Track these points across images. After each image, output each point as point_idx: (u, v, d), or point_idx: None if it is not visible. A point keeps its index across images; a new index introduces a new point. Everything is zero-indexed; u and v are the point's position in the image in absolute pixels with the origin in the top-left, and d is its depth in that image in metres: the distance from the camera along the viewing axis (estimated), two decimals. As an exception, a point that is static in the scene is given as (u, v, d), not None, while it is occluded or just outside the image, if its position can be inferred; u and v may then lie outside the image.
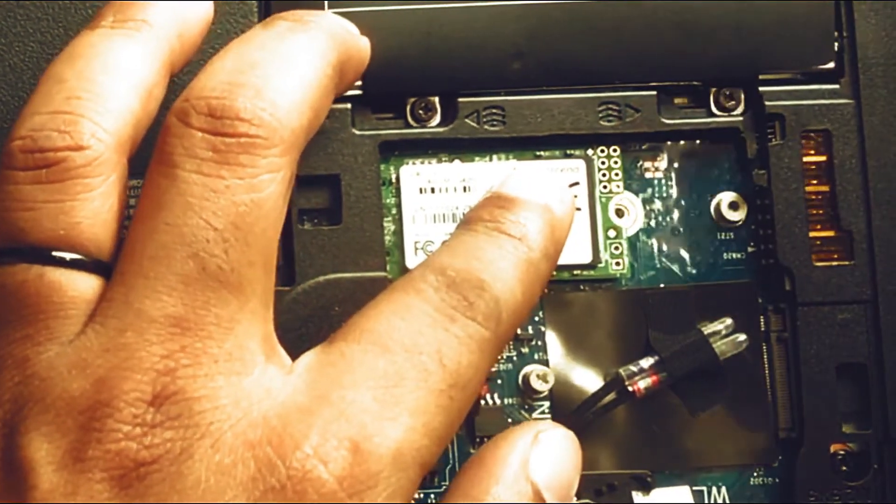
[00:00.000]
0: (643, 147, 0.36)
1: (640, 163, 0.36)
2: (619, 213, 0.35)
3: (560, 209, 0.31)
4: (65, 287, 0.27)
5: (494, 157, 0.35)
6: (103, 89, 0.29)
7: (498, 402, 0.34)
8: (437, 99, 0.35)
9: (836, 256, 0.35)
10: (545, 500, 0.29)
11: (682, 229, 0.36)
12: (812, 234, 0.35)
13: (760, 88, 0.35)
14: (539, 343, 0.35)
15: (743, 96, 0.35)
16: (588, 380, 0.35)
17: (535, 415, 0.35)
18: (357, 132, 0.34)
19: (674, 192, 0.36)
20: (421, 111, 0.35)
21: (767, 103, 0.35)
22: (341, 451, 0.26)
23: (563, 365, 0.35)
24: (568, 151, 0.35)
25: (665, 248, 0.35)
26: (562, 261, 0.33)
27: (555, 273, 0.33)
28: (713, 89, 0.35)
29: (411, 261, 0.34)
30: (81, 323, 0.27)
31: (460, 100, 0.35)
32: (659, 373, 0.34)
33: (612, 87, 0.35)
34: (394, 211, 0.35)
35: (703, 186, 0.36)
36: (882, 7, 0.35)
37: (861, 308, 0.34)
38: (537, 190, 0.31)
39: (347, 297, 0.33)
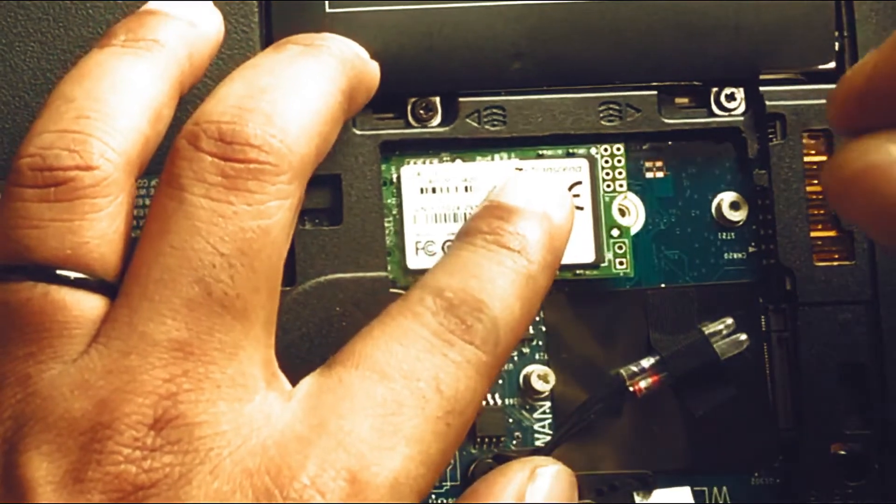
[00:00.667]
0: (644, 147, 0.36)
1: (641, 163, 0.36)
2: (621, 212, 0.35)
3: (559, 216, 0.31)
4: (69, 306, 0.27)
5: (496, 156, 0.35)
6: (113, 109, 0.29)
7: (499, 402, 0.34)
8: (437, 99, 0.35)
9: (836, 256, 0.35)
10: None
11: (682, 229, 0.36)
12: (813, 234, 0.35)
13: (761, 88, 0.35)
14: (540, 343, 0.35)
15: (743, 96, 0.35)
16: (589, 380, 0.35)
17: (535, 415, 0.35)
18: (358, 132, 0.34)
19: (674, 192, 0.36)
20: (422, 111, 0.35)
21: (768, 103, 0.35)
22: (339, 482, 0.26)
23: (563, 365, 0.35)
24: (571, 150, 0.35)
25: (666, 248, 0.35)
26: (565, 260, 0.33)
27: (557, 273, 0.33)
28: (714, 89, 0.35)
29: (412, 261, 0.34)
30: (85, 343, 0.27)
31: (461, 100, 0.35)
32: (660, 373, 0.34)
33: (612, 87, 0.35)
34: (395, 211, 0.35)
35: (703, 186, 0.36)
36: (882, 7, 0.35)
37: (862, 308, 0.34)
38: (536, 197, 0.31)
39: (348, 297, 0.33)
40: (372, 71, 0.32)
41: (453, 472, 0.34)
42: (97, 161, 0.28)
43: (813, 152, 0.35)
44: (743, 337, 0.34)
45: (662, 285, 0.35)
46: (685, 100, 0.36)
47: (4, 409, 0.27)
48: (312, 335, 0.33)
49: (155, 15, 0.31)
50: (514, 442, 0.34)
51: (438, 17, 0.34)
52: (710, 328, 0.34)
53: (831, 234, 0.35)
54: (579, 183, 0.35)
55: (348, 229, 0.34)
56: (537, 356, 0.35)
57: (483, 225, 0.30)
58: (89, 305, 0.28)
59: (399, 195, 0.35)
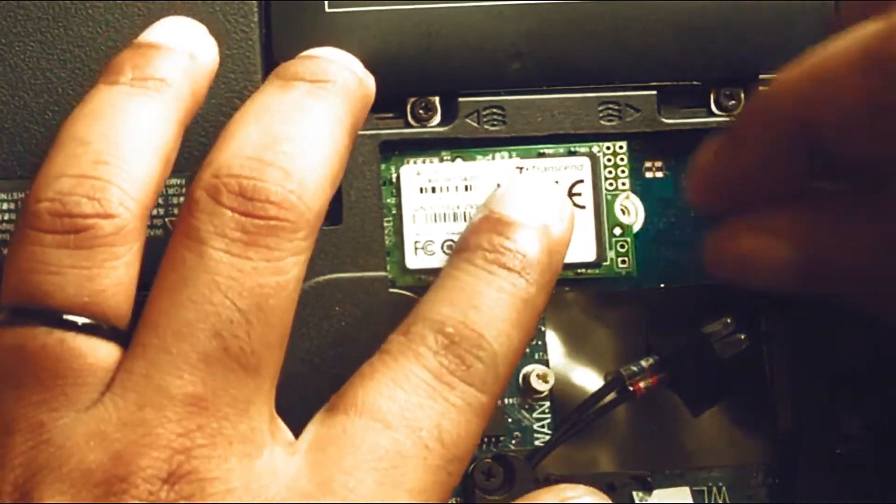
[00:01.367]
0: (643, 147, 0.36)
1: (641, 163, 0.36)
2: (623, 211, 0.35)
3: (559, 230, 0.31)
4: (85, 354, 0.27)
5: (497, 154, 0.35)
6: (129, 155, 0.29)
7: (498, 401, 0.34)
8: (437, 99, 0.35)
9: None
10: None
11: (682, 229, 0.35)
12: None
13: (760, 88, 0.35)
14: (539, 343, 0.35)
15: (743, 96, 0.35)
16: (588, 380, 0.35)
17: (535, 414, 0.35)
18: (357, 132, 0.34)
19: (674, 192, 0.36)
20: (421, 111, 0.35)
21: None
22: None
23: (563, 365, 0.35)
24: (572, 149, 0.35)
25: (665, 248, 0.35)
26: (566, 259, 0.33)
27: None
28: (713, 89, 0.35)
29: (411, 260, 0.34)
30: (98, 391, 0.28)
31: (460, 99, 0.35)
32: (659, 373, 0.34)
33: (612, 87, 0.35)
34: (394, 211, 0.35)
35: (703, 186, 0.36)
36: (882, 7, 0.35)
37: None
38: (536, 209, 0.31)
39: (347, 296, 0.33)
40: (370, 93, 0.32)
41: (453, 472, 0.34)
42: (116, 209, 0.28)
43: (813, 152, 0.35)
44: (742, 337, 0.34)
45: (662, 285, 0.35)
46: (685, 100, 0.36)
47: (16, 455, 0.27)
48: (312, 335, 0.33)
49: (158, 50, 0.31)
50: (514, 441, 0.34)
51: (438, 16, 0.34)
52: (709, 328, 0.34)
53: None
54: (581, 181, 0.35)
55: (348, 229, 0.34)
56: (537, 356, 0.35)
57: (483, 241, 0.31)
58: (103, 353, 0.28)
59: (398, 195, 0.35)
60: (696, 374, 0.34)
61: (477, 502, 0.33)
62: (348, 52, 0.33)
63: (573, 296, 0.35)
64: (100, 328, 0.28)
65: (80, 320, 0.27)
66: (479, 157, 0.35)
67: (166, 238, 0.32)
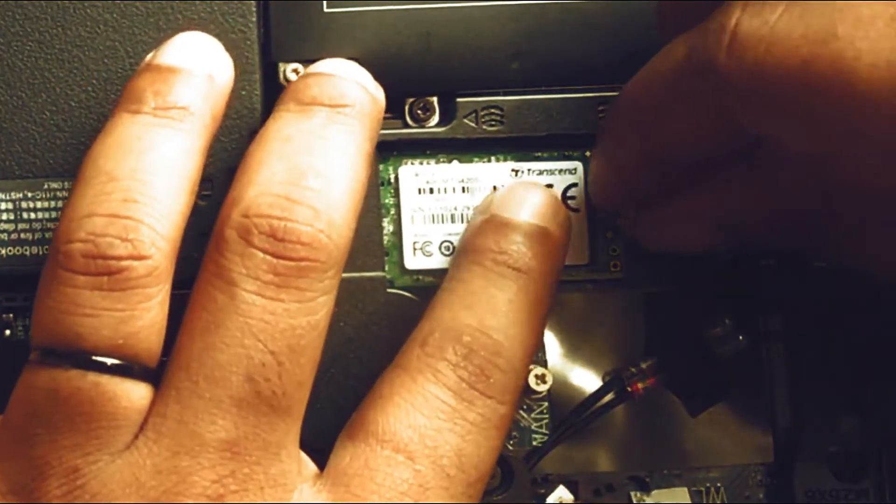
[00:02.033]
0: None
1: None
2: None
3: (559, 231, 0.32)
4: (119, 397, 0.28)
5: (493, 157, 0.35)
6: (158, 192, 0.28)
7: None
8: (435, 99, 0.35)
9: (834, 257, 0.35)
10: None
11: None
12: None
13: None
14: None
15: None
16: (587, 380, 0.35)
17: (533, 415, 0.35)
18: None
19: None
20: (419, 111, 0.35)
21: None
22: None
23: (561, 365, 0.35)
24: (566, 153, 0.35)
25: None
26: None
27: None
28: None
29: (410, 261, 0.34)
30: (131, 433, 0.28)
31: (459, 100, 0.35)
32: (657, 373, 0.34)
33: (610, 88, 0.35)
34: (392, 211, 0.35)
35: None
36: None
37: (860, 308, 0.34)
38: (535, 211, 0.32)
39: (346, 297, 0.33)
40: (382, 108, 0.32)
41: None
42: (149, 250, 0.28)
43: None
44: (740, 337, 0.34)
45: (661, 286, 0.35)
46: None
47: (50, 499, 0.27)
48: (310, 335, 0.33)
49: (178, 74, 0.30)
50: (512, 442, 0.34)
51: (436, 16, 0.34)
52: (707, 329, 0.34)
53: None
54: (575, 185, 0.35)
55: (346, 229, 0.34)
56: (535, 356, 0.35)
57: (490, 243, 0.31)
58: (136, 395, 0.28)
59: (397, 195, 0.35)
60: (695, 374, 0.34)
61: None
62: (347, 52, 0.33)
63: (571, 296, 0.35)
64: (132, 370, 0.28)
65: (114, 363, 0.27)
66: (475, 159, 0.35)
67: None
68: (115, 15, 0.34)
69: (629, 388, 0.34)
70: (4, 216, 0.33)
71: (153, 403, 0.28)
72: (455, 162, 0.35)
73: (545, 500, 0.34)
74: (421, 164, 0.35)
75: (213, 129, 0.31)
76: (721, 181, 0.31)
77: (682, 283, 0.35)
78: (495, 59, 0.34)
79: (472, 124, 0.35)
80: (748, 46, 0.26)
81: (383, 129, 0.34)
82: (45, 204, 0.33)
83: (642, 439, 0.35)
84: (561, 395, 0.35)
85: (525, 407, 0.35)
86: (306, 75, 0.32)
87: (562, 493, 0.34)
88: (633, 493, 0.34)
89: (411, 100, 0.35)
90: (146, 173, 0.29)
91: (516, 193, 0.32)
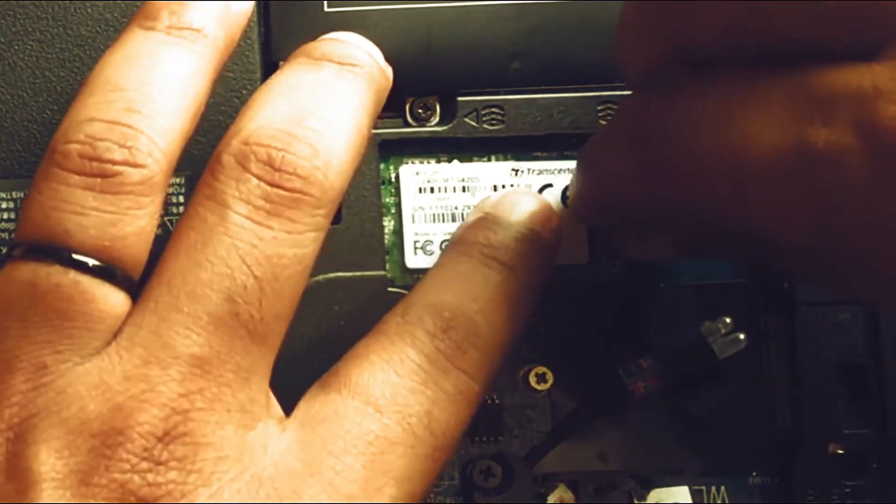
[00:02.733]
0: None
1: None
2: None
3: (549, 234, 0.32)
4: (97, 299, 0.27)
5: (493, 157, 0.35)
6: (162, 107, 0.29)
7: (497, 401, 0.34)
8: (436, 98, 0.35)
9: (834, 256, 0.35)
10: None
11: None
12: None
13: None
14: (538, 343, 0.35)
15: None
16: (587, 380, 0.35)
17: (533, 414, 0.35)
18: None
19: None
20: (420, 110, 0.35)
21: None
22: None
23: (562, 364, 0.35)
24: (566, 153, 0.35)
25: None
26: (559, 261, 0.33)
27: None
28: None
29: (411, 260, 0.34)
30: (104, 339, 0.27)
31: (459, 99, 0.35)
32: (658, 372, 0.34)
33: (611, 87, 0.35)
34: (393, 210, 0.35)
35: (701, 186, 0.36)
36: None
37: (859, 308, 0.34)
38: (529, 213, 0.32)
39: (347, 296, 0.33)
40: (390, 82, 0.33)
41: (451, 472, 0.34)
42: (145, 160, 0.28)
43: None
44: (741, 336, 0.34)
45: (660, 285, 0.35)
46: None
47: (13, 393, 0.27)
48: (311, 334, 0.33)
49: None
50: (512, 441, 0.34)
51: (437, 16, 0.34)
52: (708, 328, 0.34)
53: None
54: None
55: (347, 228, 0.34)
56: (536, 356, 0.35)
57: (479, 236, 0.31)
58: (114, 301, 0.28)
59: (398, 194, 0.35)
60: (694, 373, 0.34)
61: (476, 502, 0.33)
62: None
63: (572, 295, 0.35)
64: (115, 275, 0.28)
65: (97, 264, 0.27)
66: (475, 158, 0.35)
67: (165, 237, 0.32)
68: (115, 14, 0.34)
69: (629, 388, 0.34)
70: (5, 216, 0.33)
71: (130, 313, 0.28)
72: (455, 161, 0.35)
73: (545, 500, 0.34)
74: (422, 163, 0.35)
75: (225, 55, 0.31)
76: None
77: (682, 282, 0.35)
78: (495, 58, 0.35)
79: (473, 123, 0.35)
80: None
81: (384, 128, 0.34)
82: (46, 203, 0.33)
83: (643, 438, 0.35)
84: (561, 394, 0.35)
85: (526, 406, 0.35)
86: (319, 38, 0.32)
87: (562, 492, 0.34)
88: (633, 492, 0.34)
89: (412, 99, 0.35)
90: (153, 87, 0.29)
91: (511, 197, 0.33)
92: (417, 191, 0.35)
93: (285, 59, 0.33)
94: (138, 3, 0.33)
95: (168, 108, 0.29)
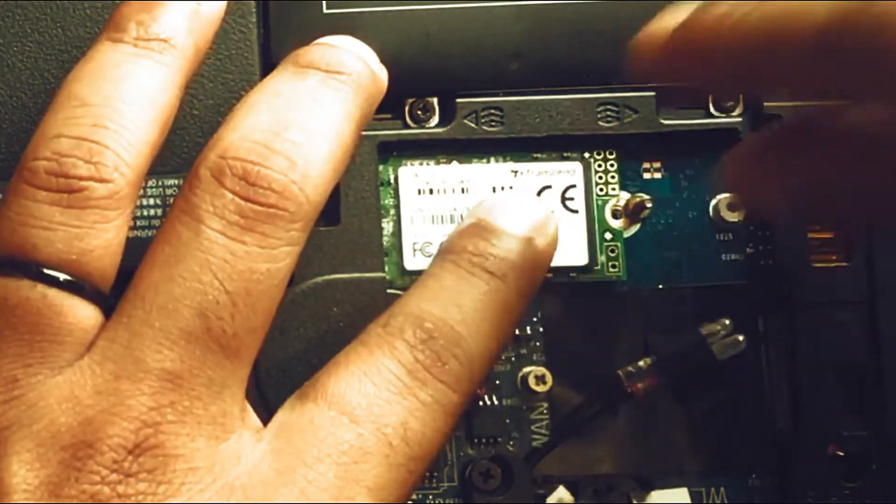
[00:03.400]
0: (641, 148, 0.36)
1: (639, 164, 0.36)
2: (617, 214, 0.35)
3: (542, 241, 0.32)
4: (66, 312, 0.28)
5: (492, 159, 0.35)
6: (128, 121, 0.29)
7: (496, 402, 0.34)
8: (435, 99, 0.35)
9: (833, 258, 0.35)
10: None
11: (680, 230, 0.35)
12: (810, 235, 0.35)
13: None
14: (537, 344, 0.35)
15: (742, 97, 0.35)
16: (586, 381, 0.35)
17: (533, 416, 0.35)
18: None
19: (672, 192, 0.36)
20: (419, 112, 0.35)
21: (766, 104, 0.35)
22: None
23: (561, 366, 0.35)
24: (565, 154, 0.35)
25: (663, 249, 0.35)
26: (558, 263, 0.33)
27: (551, 275, 0.33)
28: (712, 90, 0.35)
29: (409, 262, 0.34)
30: (74, 352, 0.28)
31: (459, 100, 0.35)
32: (657, 374, 0.34)
33: (610, 88, 0.35)
34: (392, 212, 0.35)
35: (701, 187, 0.36)
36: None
37: (859, 309, 0.34)
38: (523, 221, 0.31)
39: (345, 297, 0.33)
40: (382, 87, 0.32)
41: (451, 473, 0.34)
42: (111, 175, 0.28)
43: (811, 153, 0.35)
44: (740, 338, 0.34)
45: (660, 286, 0.35)
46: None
47: None
48: (309, 336, 0.33)
49: (163, 4, 0.30)
50: (512, 442, 0.34)
51: (436, 17, 0.34)
52: (707, 329, 0.34)
53: (828, 235, 0.35)
54: (574, 186, 0.35)
55: (346, 230, 0.34)
56: (535, 357, 0.35)
57: (468, 244, 0.31)
58: (83, 314, 0.28)
59: (397, 196, 0.35)
60: (695, 374, 0.34)
61: (475, 503, 0.33)
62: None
63: (571, 297, 0.35)
64: (83, 288, 0.28)
65: (65, 277, 0.28)
66: (475, 160, 0.35)
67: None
68: (114, 15, 0.34)
69: (629, 389, 0.34)
70: (4, 217, 0.33)
71: (104, 328, 0.28)
72: (455, 163, 0.35)
73: (545, 501, 0.34)
74: (421, 164, 0.35)
75: (195, 63, 0.31)
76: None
77: (682, 283, 0.35)
78: (495, 59, 0.34)
79: (472, 125, 0.35)
80: None
81: (383, 129, 0.34)
82: (45, 204, 0.33)
83: (642, 439, 0.35)
84: (561, 395, 0.35)
85: (525, 408, 0.35)
86: (310, 44, 0.32)
87: (562, 493, 0.34)
88: (632, 494, 0.34)
89: (411, 100, 0.35)
90: (120, 101, 0.29)
91: (506, 201, 0.32)
92: (416, 192, 0.34)
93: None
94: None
95: (135, 122, 0.29)
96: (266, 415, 0.29)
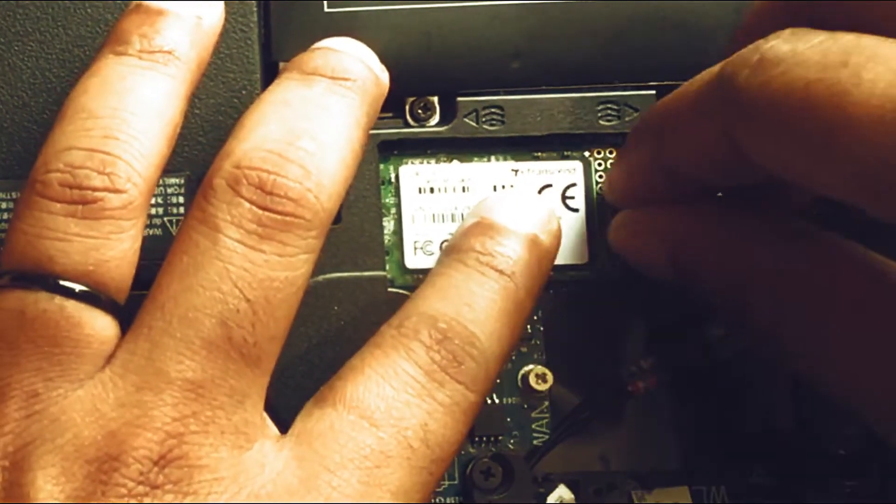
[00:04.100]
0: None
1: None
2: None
3: (547, 239, 0.32)
4: (83, 324, 0.28)
5: (493, 158, 0.35)
6: (138, 132, 0.29)
7: (497, 401, 0.34)
8: (436, 98, 0.35)
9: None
10: None
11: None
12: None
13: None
14: (538, 343, 0.35)
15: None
16: (587, 380, 0.35)
17: (534, 414, 0.35)
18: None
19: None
20: (420, 111, 0.35)
21: None
22: None
23: (562, 365, 0.35)
24: (565, 153, 0.35)
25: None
26: (559, 262, 0.33)
27: (551, 273, 0.33)
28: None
29: (410, 260, 0.34)
30: (94, 363, 0.28)
31: (459, 99, 0.35)
32: (658, 373, 0.34)
33: (611, 87, 0.35)
34: (393, 210, 0.35)
35: (701, 186, 0.36)
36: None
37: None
38: (526, 218, 0.32)
39: (346, 296, 0.33)
40: (385, 89, 0.33)
41: (451, 472, 0.34)
42: (125, 185, 0.28)
43: (811, 152, 0.35)
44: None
45: (661, 286, 0.35)
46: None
47: (7, 422, 0.27)
48: (310, 334, 0.33)
49: (165, 16, 0.31)
50: (512, 441, 0.34)
51: (437, 16, 0.34)
52: (708, 328, 0.34)
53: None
54: (574, 185, 0.35)
55: (347, 229, 0.34)
56: (535, 356, 0.35)
57: (476, 243, 0.31)
58: (101, 325, 0.28)
59: (397, 195, 0.35)
60: (696, 373, 0.34)
61: (476, 502, 0.33)
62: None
63: (572, 296, 0.35)
64: (100, 299, 0.28)
65: (82, 289, 0.28)
66: (475, 159, 0.35)
67: (165, 238, 0.32)
68: (115, 15, 0.34)
69: (629, 388, 0.34)
70: (5, 216, 0.33)
71: (124, 340, 0.28)
72: (455, 161, 0.35)
73: (545, 500, 0.34)
74: (421, 163, 0.35)
75: (198, 74, 0.31)
76: (701, 201, 0.31)
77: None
78: (495, 58, 0.35)
79: (473, 124, 0.35)
80: (768, 67, 0.26)
81: (384, 129, 0.34)
82: (46, 203, 0.33)
83: (643, 438, 0.35)
84: (561, 394, 0.35)
85: (526, 406, 0.35)
86: (312, 49, 0.32)
87: (562, 492, 0.34)
88: (633, 493, 0.34)
89: (412, 99, 0.35)
90: (127, 113, 0.29)
91: (509, 199, 0.32)
92: (417, 191, 0.35)
93: (285, 59, 0.33)
94: (138, 3, 0.33)
95: (144, 133, 0.29)
96: (268, 413, 0.29)
